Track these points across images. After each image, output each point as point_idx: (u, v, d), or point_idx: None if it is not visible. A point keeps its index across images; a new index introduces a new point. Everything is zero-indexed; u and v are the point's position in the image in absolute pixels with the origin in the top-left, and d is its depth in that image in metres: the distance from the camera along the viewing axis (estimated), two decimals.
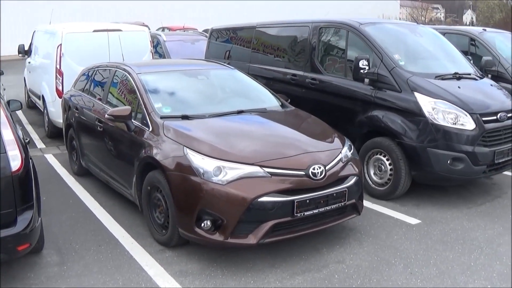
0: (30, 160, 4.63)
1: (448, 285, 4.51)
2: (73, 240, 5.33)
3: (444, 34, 8.93)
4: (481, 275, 4.69)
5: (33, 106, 12.50)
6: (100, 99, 6.70)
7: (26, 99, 13.23)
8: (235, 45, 9.69)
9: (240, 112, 5.78)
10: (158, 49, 12.58)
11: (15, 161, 4.15)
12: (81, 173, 7.41)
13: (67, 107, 7.77)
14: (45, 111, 10.07)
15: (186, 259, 4.93)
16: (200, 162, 4.67)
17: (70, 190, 6.93)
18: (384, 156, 6.52)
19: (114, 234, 5.49)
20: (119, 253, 5.07)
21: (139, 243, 5.26)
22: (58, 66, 9.29)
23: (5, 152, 4.12)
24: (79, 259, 4.94)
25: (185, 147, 4.84)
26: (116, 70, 6.61)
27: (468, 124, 6.15)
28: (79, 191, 6.89)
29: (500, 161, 6.40)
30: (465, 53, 8.43)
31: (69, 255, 5.02)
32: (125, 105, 6.00)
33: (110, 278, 4.59)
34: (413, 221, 5.94)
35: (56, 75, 9.32)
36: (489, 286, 4.51)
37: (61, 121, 8.30)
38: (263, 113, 5.96)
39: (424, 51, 7.57)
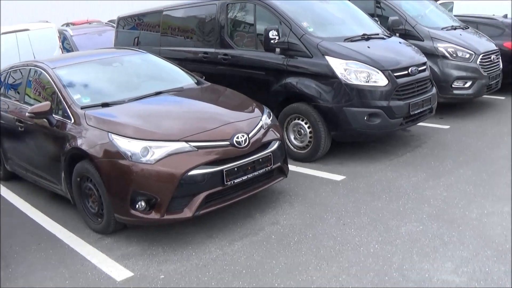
0: None
1: (381, 230, 4.76)
2: (12, 243, 5.28)
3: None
4: (412, 218, 4.98)
5: None
6: (17, 100, 6.59)
7: None
8: (143, 31, 9.63)
9: (158, 93, 5.85)
10: (65, 45, 12.35)
11: None
12: (8, 178, 7.26)
13: None
14: None
15: (126, 243, 4.99)
16: (127, 145, 4.73)
17: (0, 197, 6.81)
18: (303, 120, 6.74)
19: (51, 231, 5.47)
20: (60, 247, 5.08)
21: (77, 235, 5.27)
22: None
23: None
24: (22, 260, 4.92)
25: (109, 133, 4.87)
26: (30, 69, 6.51)
27: (380, 80, 6.43)
28: (10, 196, 6.75)
29: (416, 112, 6.75)
30: (371, 15, 8.74)
31: (11, 258, 4.98)
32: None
33: (56, 272, 4.60)
34: (338, 178, 6.19)
35: None
36: (421, 227, 4.78)
37: None
38: (181, 91, 6.06)
39: (332, 17, 7.78)
